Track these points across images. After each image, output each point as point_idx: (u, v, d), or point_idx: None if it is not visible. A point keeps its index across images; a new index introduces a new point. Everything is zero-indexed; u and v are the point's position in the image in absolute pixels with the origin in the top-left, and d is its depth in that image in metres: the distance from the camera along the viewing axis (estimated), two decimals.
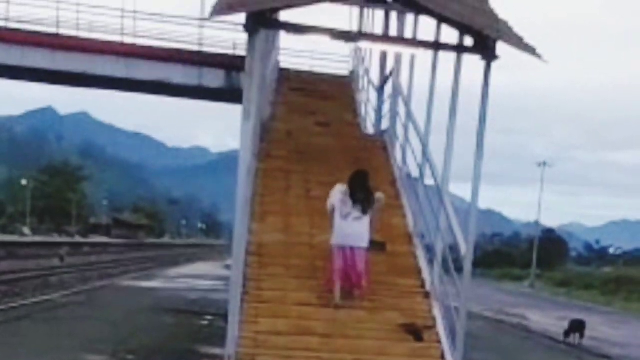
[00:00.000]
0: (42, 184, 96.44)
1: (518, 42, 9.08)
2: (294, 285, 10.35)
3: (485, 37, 9.30)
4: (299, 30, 9.45)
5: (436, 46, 10.29)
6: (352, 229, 9.84)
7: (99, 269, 41.36)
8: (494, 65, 9.39)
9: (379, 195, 10.23)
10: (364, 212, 9.91)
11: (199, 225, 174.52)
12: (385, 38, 12.20)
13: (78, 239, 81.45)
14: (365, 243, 9.91)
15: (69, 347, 14.10)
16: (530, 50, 9.01)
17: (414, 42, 10.66)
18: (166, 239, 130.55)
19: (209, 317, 20.12)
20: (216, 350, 13.62)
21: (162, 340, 15.91)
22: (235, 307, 9.44)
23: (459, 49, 9.86)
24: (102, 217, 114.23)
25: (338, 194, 9.97)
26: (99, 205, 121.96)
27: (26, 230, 79.31)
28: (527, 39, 9.21)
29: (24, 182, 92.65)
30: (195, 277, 40.93)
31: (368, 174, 10.23)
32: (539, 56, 9.00)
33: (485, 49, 9.35)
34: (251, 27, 9.20)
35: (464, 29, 9.46)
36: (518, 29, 9.51)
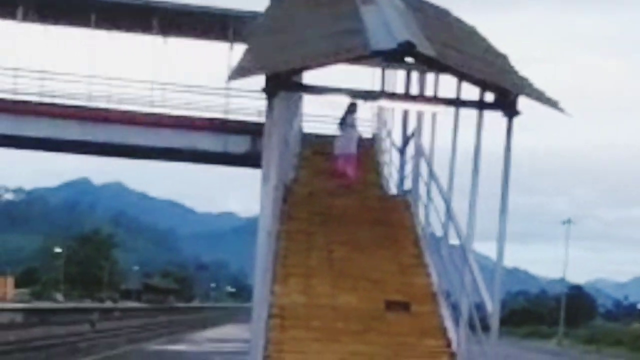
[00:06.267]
0: (74, 251, 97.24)
1: (540, 96, 8.97)
2: (315, 348, 10.17)
3: (506, 93, 9.24)
4: (319, 91, 9.47)
5: (457, 103, 10.25)
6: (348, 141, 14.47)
7: (128, 333, 41.29)
8: (516, 126, 9.31)
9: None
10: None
11: (228, 288, 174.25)
12: (406, 96, 12.16)
13: (109, 304, 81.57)
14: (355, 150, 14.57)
15: None
16: (552, 103, 8.91)
17: (435, 100, 10.64)
18: (195, 303, 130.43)
19: None
20: None
21: None
22: None
23: (480, 105, 9.79)
24: (133, 283, 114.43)
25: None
26: (130, 271, 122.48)
27: (59, 296, 79.62)
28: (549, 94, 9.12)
29: (57, 249, 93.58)
30: (221, 340, 40.65)
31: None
32: (561, 109, 8.88)
33: (507, 105, 9.29)
34: (270, 90, 9.24)
35: (484, 86, 9.42)
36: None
